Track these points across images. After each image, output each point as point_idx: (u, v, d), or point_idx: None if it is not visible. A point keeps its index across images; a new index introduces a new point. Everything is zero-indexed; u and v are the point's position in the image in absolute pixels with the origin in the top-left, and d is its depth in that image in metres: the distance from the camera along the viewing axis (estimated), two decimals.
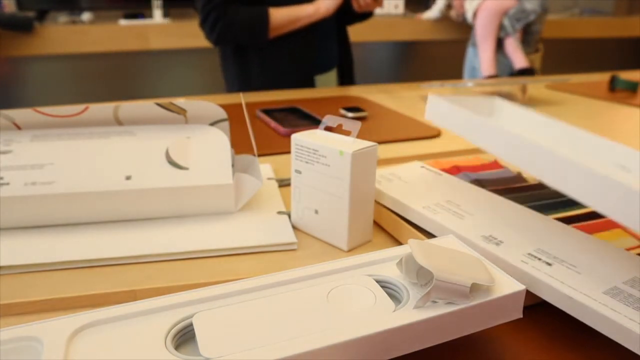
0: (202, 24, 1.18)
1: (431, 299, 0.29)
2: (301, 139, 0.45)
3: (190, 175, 0.50)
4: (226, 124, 0.54)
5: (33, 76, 3.09)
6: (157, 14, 2.98)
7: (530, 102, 1.16)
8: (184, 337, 0.29)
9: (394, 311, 0.29)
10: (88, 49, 2.74)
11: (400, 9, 2.98)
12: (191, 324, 0.29)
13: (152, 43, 2.85)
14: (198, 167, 0.50)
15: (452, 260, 0.31)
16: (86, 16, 2.99)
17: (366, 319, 0.28)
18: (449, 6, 2.90)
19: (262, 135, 0.82)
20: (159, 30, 2.89)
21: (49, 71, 3.19)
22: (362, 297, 0.31)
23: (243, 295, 0.31)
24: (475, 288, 0.30)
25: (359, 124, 0.44)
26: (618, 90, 1.24)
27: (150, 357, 0.26)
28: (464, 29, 2.86)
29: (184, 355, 0.26)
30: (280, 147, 0.75)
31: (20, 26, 2.54)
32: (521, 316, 0.32)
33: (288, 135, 0.81)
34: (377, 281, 0.33)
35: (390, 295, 0.32)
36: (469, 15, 2.62)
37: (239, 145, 0.75)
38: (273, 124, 0.85)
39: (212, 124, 0.54)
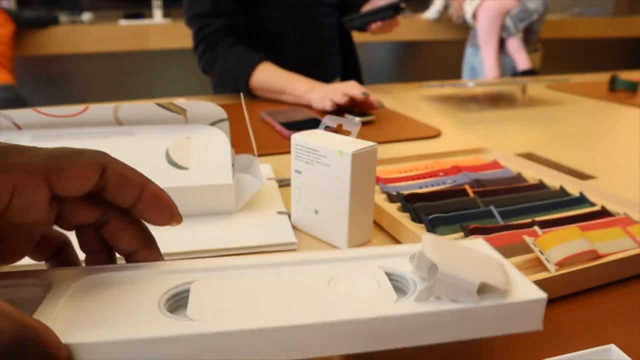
0: (194, 50, 1.13)
1: (434, 294, 0.27)
2: (301, 139, 0.45)
3: (190, 175, 0.50)
4: (226, 124, 0.54)
5: (33, 76, 3.09)
6: (157, 14, 2.98)
7: (530, 102, 1.16)
8: (180, 302, 0.29)
9: (395, 302, 0.28)
10: (88, 49, 2.74)
11: None
12: (188, 290, 0.29)
13: (152, 43, 2.85)
14: (198, 167, 0.50)
15: (467, 259, 0.29)
16: (86, 16, 2.99)
17: (360, 304, 0.27)
18: (446, 7, 2.90)
19: (262, 136, 0.82)
20: (159, 30, 2.89)
21: (49, 71, 3.19)
22: (365, 285, 0.30)
23: (245, 270, 0.31)
24: (487, 289, 0.28)
25: (359, 124, 0.44)
26: (618, 90, 1.24)
27: (141, 312, 0.26)
28: (463, 29, 2.86)
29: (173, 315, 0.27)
30: (280, 147, 0.75)
31: (46, 22, 2.62)
32: (541, 328, 0.28)
33: None
34: (386, 273, 0.32)
35: (398, 289, 0.31)
36: (468, 17, 2.60)
37: (239, 145, 0.75)
38: (278, 126, 0.84)
39: (212, 124, 0.54)
